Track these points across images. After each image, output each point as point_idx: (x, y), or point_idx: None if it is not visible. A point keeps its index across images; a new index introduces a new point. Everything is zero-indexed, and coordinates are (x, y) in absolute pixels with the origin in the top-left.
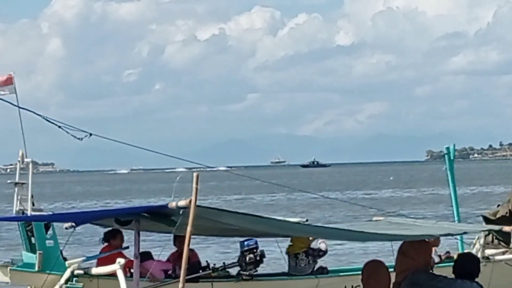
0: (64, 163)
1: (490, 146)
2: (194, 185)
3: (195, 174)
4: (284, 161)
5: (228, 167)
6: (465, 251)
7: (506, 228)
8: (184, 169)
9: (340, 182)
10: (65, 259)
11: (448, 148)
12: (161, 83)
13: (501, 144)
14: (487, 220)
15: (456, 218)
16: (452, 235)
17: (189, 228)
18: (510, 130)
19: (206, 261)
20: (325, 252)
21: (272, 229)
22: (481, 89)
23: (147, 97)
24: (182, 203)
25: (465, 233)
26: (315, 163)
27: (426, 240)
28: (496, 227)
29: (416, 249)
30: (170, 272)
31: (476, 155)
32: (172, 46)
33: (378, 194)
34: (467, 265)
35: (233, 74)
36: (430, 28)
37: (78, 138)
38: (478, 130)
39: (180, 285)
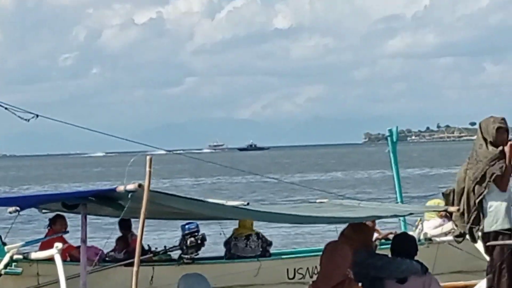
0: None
1: (428, 128)
2: (147, 169)
3: (148, 157)
4: (222, 145)
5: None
6: (410, 232)
7: (452, 209)
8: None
9: (280, 164)
10: (4, 244)
11: (390, 130)
12: (98, 67)
13: (438, 126)
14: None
15: (399, 200)
16: (398, 216)
17: (143, 211)
18: (447, 112)
19: (148, 245)
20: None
21: (221, 213)
22: (419, 72)
23: (83, 81)
24: (130, 187)
25: (411, 214)
26: (253, 146)
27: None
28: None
29: (355, 230)
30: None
31: (413, 137)
32: (109, 30)
33: (321, 177)
34: (404, 245)
35: (171, 58)
36: (368, 11)
37: (25, 120)
38: (415, 113)
39: (135, 268)
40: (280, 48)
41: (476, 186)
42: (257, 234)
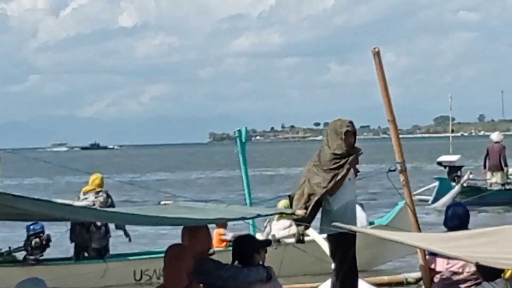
0: None
1: (272, 128)
2: None
3: None
4: (65, 143)
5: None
6: (258, 234)
7: (299, 212)
8: None
9: (123, 164)
10: None
11: (239, 131)
12: None
13: (282, 126)
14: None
15: (248, 202)
16: (246, 218)
17: None
18: (292, 112)
19: None
20: None
21: (70, 214)
22: (264, 72)
23: None
24: None
25: (258, 216)
26: (96, 145)
27: (206, 225)
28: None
29: (190, 235)
30: None
31: (258, 137)
32: None
33: (165, 177)
34: (244, 247)
35: (14, 55)
36: (214, 9)
37: None
38: (260, 112)
39: None
40: (125, 46)
41: (318, 189)
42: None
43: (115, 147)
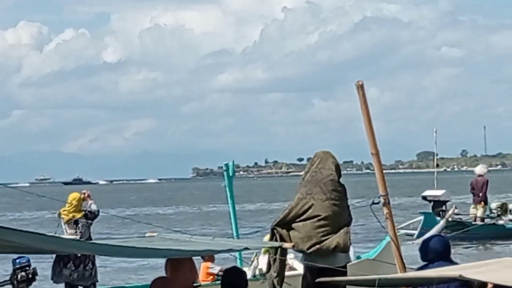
0: None
1: (256, 163)
2: None
3: None
4: (49, 178)
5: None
6: (245, 268)
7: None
8: None
9: (111, 199)
10: None
11: (227, 165)
12: None
13: (266, 162)
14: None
15: (235, 235)
16: (233, 251)
17: None
18: (275, 148)
19: None
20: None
21: (58, 247)
22: (247, 107)
23: None
24: None
25: (246, 249)
26: (79, 180)
27: (191, 258)
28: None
29: (173, 268)
30: None
31: (242, 172)
32: None
33: (149, 212)
34: (235, 280)
35: None
36: (198, 45)
37: None
38: (244, 148)
39: None
40: (108, 81)
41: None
42: None
43: (101, 182)
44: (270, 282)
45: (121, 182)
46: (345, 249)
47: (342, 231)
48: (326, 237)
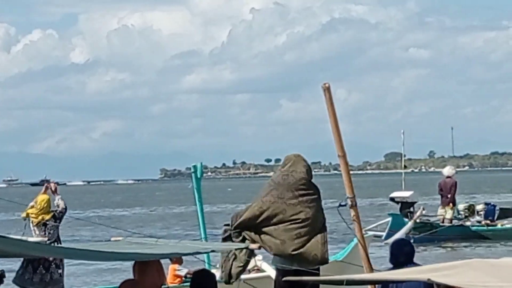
0: None
1: (224, 164)
2: None
3: None
4: (16, 179)
5: None
6: (213, 271)
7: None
8: None
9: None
10: None
11: (195, 166)
12: None
13: (234, 163)
14: None
15: (203, 237)
16: (200, 253)
17: None
18: (243, 149)
19: None
20: None
21: (24, 250)
22: (215, 108)
23: None
24: None
25: (212, 251)
26: (46, 181)
27: (158, 260)
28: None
29: (140, 271)
30: None
31: (209, 173)
32: None
33: (115, 213)
34: (204, 282)
35: None
36: (165, 46)
37: None
38: (211, 149)
39: None
40: (76, 82)
41: None
42: None
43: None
44: (226, 273)
45: (94, 183)
46: (323, 262)
47: (318, 241)
48: (300, 239)
